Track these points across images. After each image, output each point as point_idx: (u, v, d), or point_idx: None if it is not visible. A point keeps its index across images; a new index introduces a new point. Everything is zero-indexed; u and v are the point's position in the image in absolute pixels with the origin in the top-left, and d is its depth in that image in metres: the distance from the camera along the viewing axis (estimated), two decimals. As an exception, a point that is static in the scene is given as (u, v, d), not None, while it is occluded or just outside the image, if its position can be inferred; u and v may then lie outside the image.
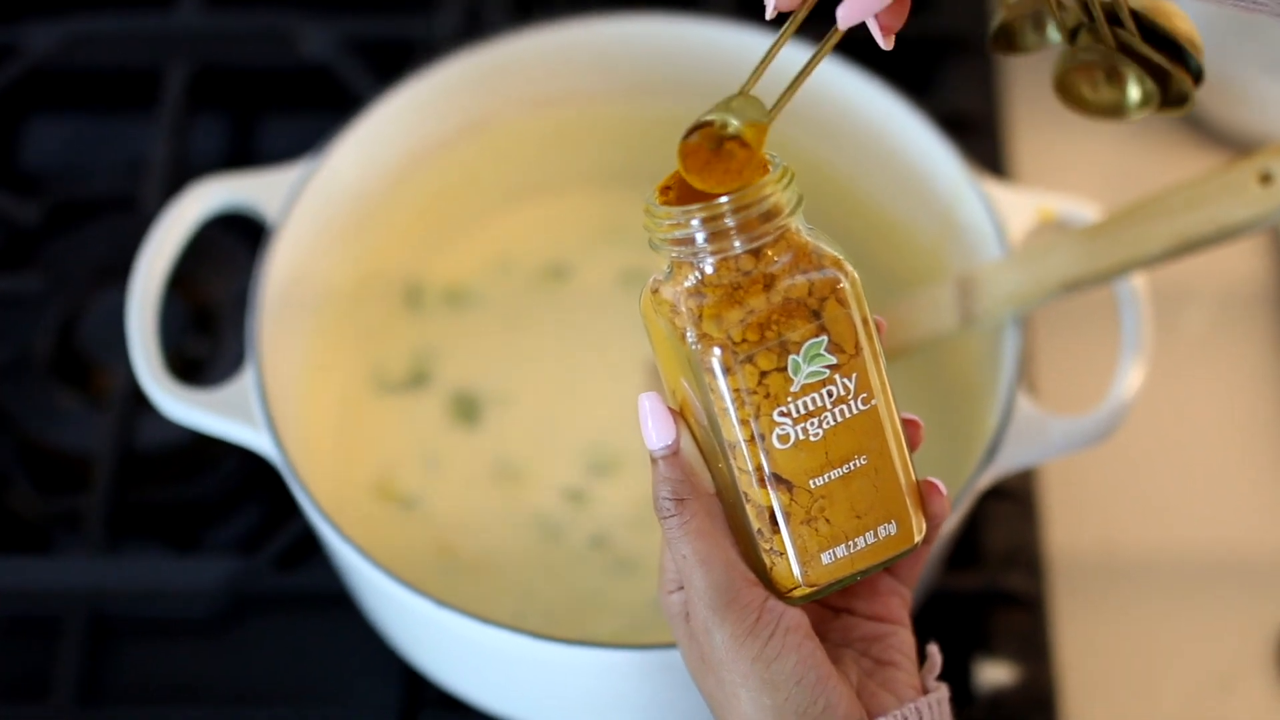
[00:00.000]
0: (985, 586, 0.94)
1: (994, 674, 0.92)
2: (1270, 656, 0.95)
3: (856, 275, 0.65)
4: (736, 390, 0.64)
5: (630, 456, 0.96)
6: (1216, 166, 0.80)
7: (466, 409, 0.98)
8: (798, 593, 0.67)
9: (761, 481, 0.65)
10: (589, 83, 1.00)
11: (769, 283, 0.65)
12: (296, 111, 1.14)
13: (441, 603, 0.80)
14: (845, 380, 0.65)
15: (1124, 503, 0.99)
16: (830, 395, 0.65)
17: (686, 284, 0.65)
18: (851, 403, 0.65)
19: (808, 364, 0.65)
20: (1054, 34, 0.71)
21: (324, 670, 0.93)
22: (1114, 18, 0.69)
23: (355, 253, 0.98)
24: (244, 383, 0.86)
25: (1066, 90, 0.72)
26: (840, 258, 0.65)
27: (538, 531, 0.94)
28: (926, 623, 0.79)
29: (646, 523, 0.94)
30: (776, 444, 0.65)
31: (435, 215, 1.02)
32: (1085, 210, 0.90)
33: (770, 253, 0.65)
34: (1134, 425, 0.96)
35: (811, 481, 0.65)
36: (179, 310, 1.03)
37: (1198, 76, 0.69)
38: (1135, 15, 0.69)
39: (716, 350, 0.64)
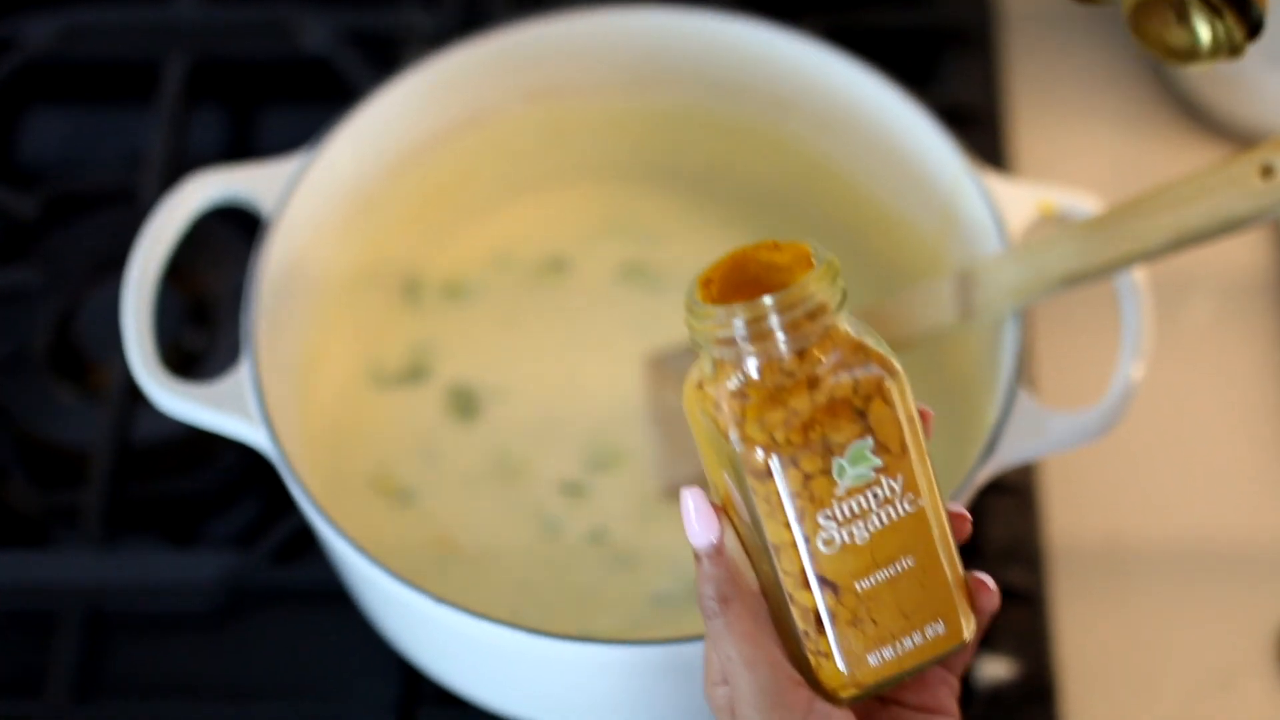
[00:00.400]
0: (985, 581, 0.94)
1: (993, 669, 0.92)
2: (1271, 651, 0.94)
3: (902, 370, 0.64)
4: (780, 493, 0.63)
5: (630, 451, 0.96)
6: (1218, 160, 0.80)
7: (464, 403, 0.98)
8: (845, 694, 0.65)
9: (805, 584, 0.64)
10: (589, 76, 1.00)
11: (813, 382, 0.63)
12: (296, 104, 1.13)
13: (439, 598, 0.79)
14: (891, 482, 0.63)
15: (1124, 497, 0.99)
16: (876, 497, 0.63)
17: (729, 385, 0.64)
18: (898, 504, 0.64)
19: (853, 466, 0.63)
20: None
21: (321, 666, 0.93)
22: None
23: (353, 246, 0.98)
24: (240, 377, 0.86)
25: (1141, 30, 0.70)
26: (886, 354, 0.64)
27: (536, 526, 0.94)
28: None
29: (646, 518, 0.94)
30: (822, 548, 0.63)
31: (433, 208, 1.02)
32: (1086, 203, 0.90)
33: (815, 351, 0.63)
34: (1134, 419, 0.96)
35: (858, 584, 0.64)
36: (175, 303, 1.03)
37: (1257, 23, 0.67)
38: None
39: (759, 452, 0.63)
